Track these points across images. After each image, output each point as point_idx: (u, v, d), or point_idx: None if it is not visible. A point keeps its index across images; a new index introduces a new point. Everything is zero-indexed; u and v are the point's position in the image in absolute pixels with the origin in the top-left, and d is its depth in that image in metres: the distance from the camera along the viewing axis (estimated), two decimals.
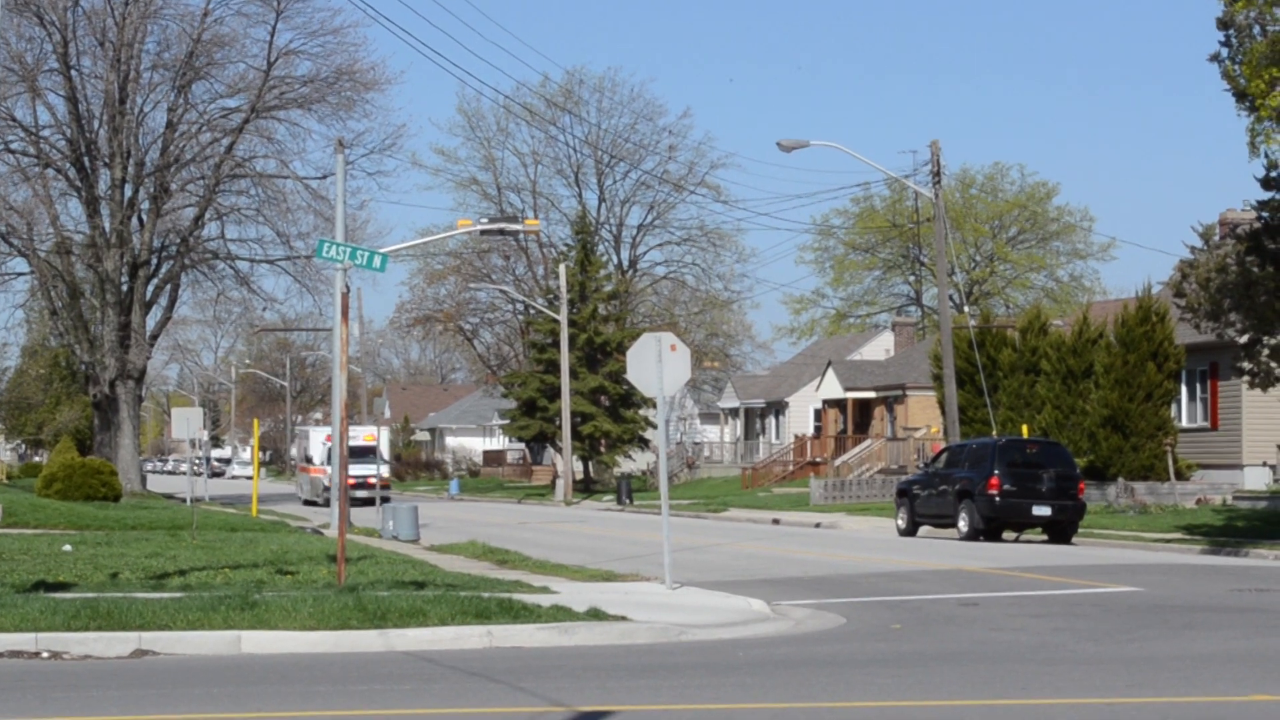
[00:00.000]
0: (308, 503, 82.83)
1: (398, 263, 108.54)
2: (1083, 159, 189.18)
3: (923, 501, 50.19)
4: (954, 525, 48.22)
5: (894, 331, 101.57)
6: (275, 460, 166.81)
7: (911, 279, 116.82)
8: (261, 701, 17.11)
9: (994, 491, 46.68)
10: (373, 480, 75.79)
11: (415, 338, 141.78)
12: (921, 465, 57.52)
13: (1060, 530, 46.75)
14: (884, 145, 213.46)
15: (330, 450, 70.66)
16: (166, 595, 24.52)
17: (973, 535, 46.97)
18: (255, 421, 71.29)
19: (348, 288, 29.55)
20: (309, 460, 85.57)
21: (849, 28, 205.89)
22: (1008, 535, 48.12)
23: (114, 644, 20.68)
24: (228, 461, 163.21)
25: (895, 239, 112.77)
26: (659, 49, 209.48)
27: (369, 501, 72.53)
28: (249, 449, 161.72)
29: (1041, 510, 46.27)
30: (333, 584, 26.68)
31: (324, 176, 78.22)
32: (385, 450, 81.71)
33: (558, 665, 19.67)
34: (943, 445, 57.35)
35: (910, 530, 50.56)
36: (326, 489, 74.84)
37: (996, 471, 46.76)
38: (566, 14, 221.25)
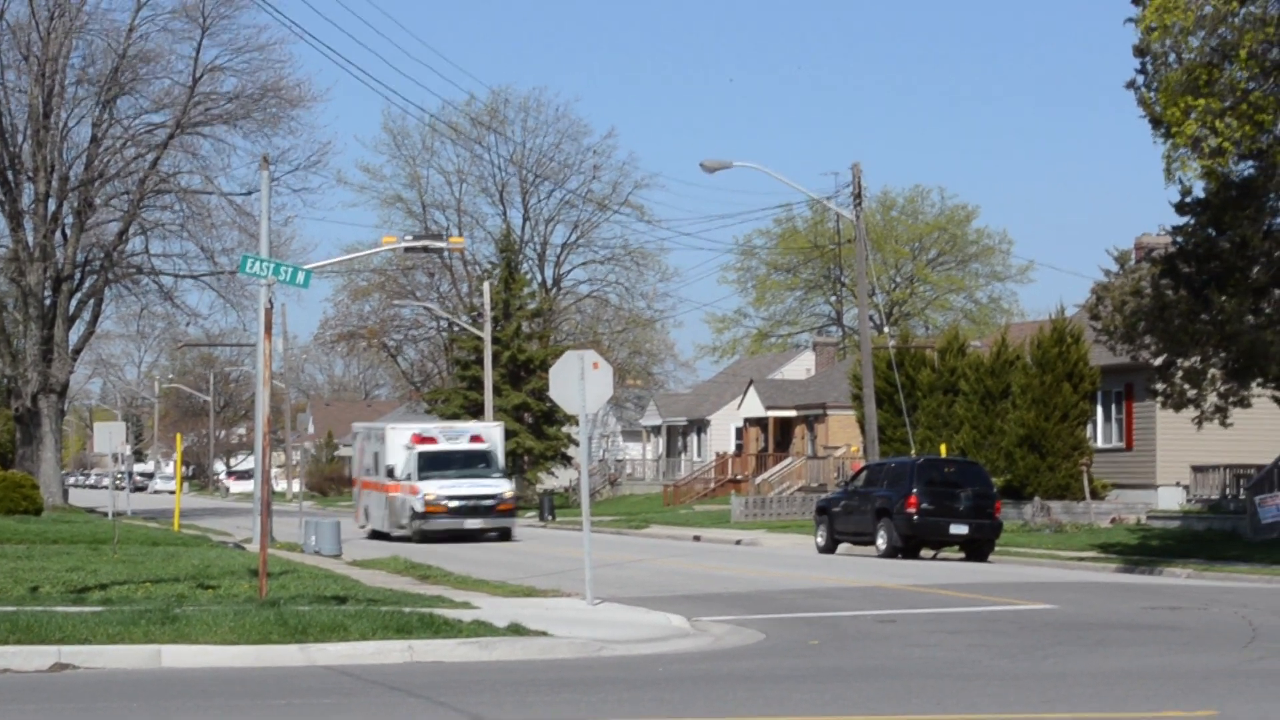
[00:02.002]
0: (376, 534, 60.12)
1: (322, 279, 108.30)
2: (1002, 182, 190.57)
3: (842, 519, 50.44)
4: (872, 543, 48.45)
5: (815, 351, 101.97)
6: (198, 475, 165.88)
7: (833, 299, 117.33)
8: (181, 715, 17.11)
9: (912, 510, 47.02)
10: (489, 501, 56.80)
11: (339, 354, 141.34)
12: (841, 483, 57.87)
13: (977, 548, 47.14)
14: (807, 167, 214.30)
15: (414, 457, 57.74)
16: (87, 609, 24.45)
17: (891, 553, 47.24)
18: (178, 436, 70.93)
19: (271, 303, 29.60)
20: (389, 474, 58.94)
21: (772, 50, 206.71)
22: (925, 553, 48.45)
23: (33, 658, 20.60)
24: (150, 476, 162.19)
25: (817, 260, 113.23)
26: (584, 69, 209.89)
27: (476, 535, 56.34)
28: (172, 464, 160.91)
29: (959, 529, 46.64)
30: (254, 598, 26.67)
31: (249, 192, 78.12)
32: (500, 454, 60.86)
33: (478, 680, 19.75)
34: (862, 464, 57.71)
35: (829, 547, 50.79)
36: (421, 514, 56.34)
37: (915, 490, 47.11)
38: (492, 33, 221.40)
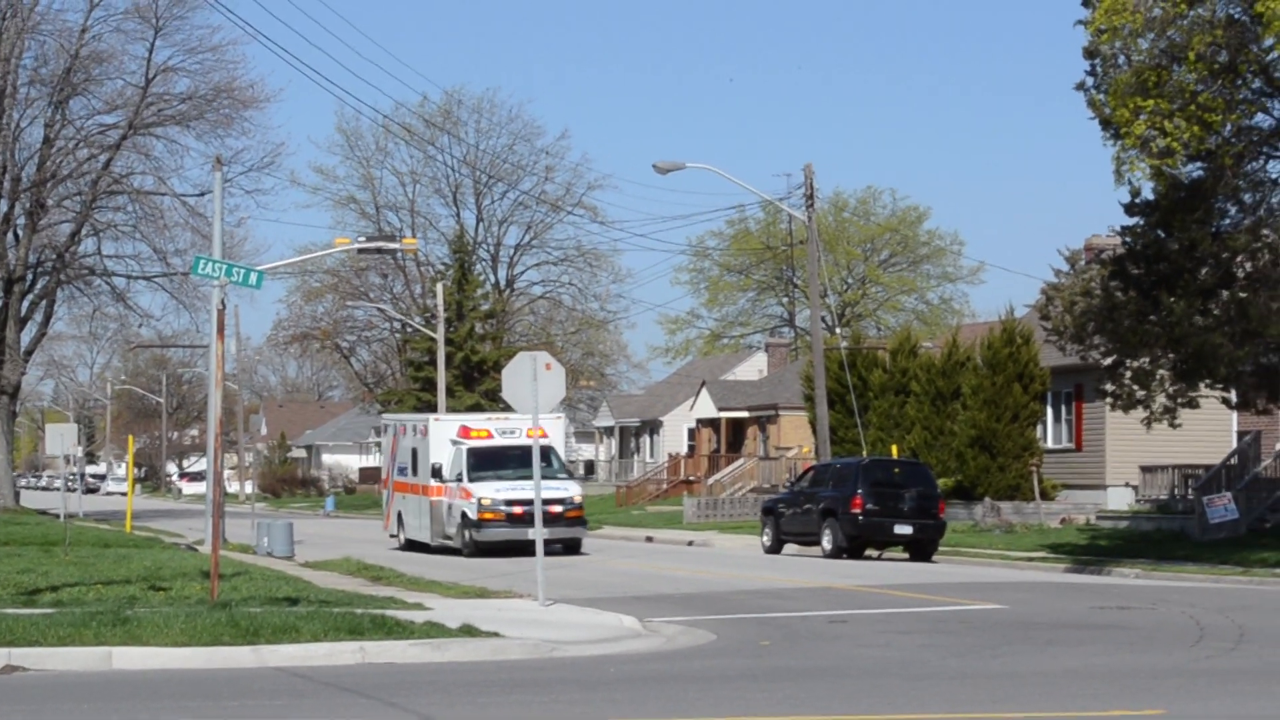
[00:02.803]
0: (412, 545, 51.93)
1: (275, 280, 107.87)
2: (954, 184, 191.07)
3: (788, 520, 50.64)
4: (818, 543, 48.65)
5: (767, 352, 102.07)
6: (150, 477, 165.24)
7: (785, 300, 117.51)
8: (132, 717, 17.08)
9: (857, 510, 47.29)
10: (557, 507, 47.33)
11: (292, 355, 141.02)
12: (788, 484, 58.05)
13: (921, 548, 47.47)
14: (759, 168, 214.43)
15: (463, 454, 49.05)
16: (37, 611, 24.41)
17: (836, 553, 47.42)
18: (130, 438, 70.67)
19: (224, 304, 29.60)
20: (435, 474, 50.30)
21: (725, 50, 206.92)
22: (870, 553, 48.63)
23: None
24: (102, 478, 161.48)
25: (769, 261, 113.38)
26: (537, 70, 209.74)
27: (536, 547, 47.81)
28: (124, 465, 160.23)
29: (903, 529, 46.93)
30: (206, 600, 26.63)
31: (202, 194, 77.82)
32: (562, 449, 53.66)
33: (430, 681, 19.77)
34: (811, 464, 57.92)
35: (775, 548, 50.92)
36: (474, 523, 47.64)
37: (860, 491, 47.42)
38: (445, 34, 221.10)
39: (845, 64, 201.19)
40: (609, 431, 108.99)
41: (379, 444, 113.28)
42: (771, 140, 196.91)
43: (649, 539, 61.23)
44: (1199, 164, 38.95)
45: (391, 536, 54.52)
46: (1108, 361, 43.23)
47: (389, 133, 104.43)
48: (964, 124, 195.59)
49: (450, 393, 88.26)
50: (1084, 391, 58.21)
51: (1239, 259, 40.53)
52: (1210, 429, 53.43)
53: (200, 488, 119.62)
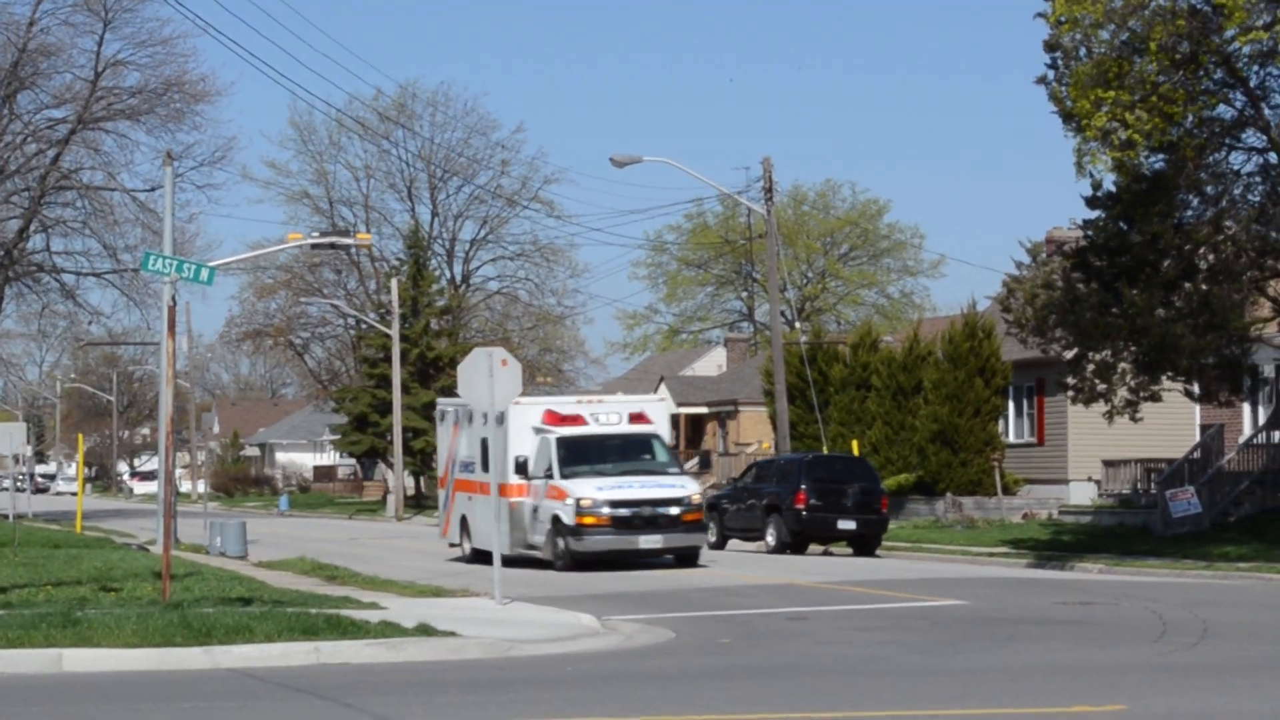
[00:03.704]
0: (481, 556, 41.72)
1: (227, 276, 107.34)
2: (914, 177, 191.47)
3: (731, 516, 50.75)
4: (762, 539, 48.83)
5: (727, 347, 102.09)
6: (101, 476, 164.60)
7: (744, 295, 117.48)
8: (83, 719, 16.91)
9: (801, 506, 47.59)
10: (673, 509, 40.40)
11: (245, 352, 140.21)
12: (730, 481, 58.24)
13: (864, 543, 47.78)
14: (718, 161, 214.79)
15: (551, 444, 41.06)
16: None
17: (780, 549, 47.57)
18: (80, 437, 70.24)
19: (175, 301, 29.28)
20: (520, 469, 41.51)
21: (682, 43, 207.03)
22: (814, 548, 48.66)
23: None
24: (52, 478, 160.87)
25: (728, 255, 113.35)
26: (492, 64, 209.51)
27: (650, 558, 41.21)
28: (74, 465, 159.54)
29: (846, 524, 47.14)
30: (158, 601, 26.39)
31: (153, 189, 77.31)
32: (668, 438, 43.38)
33: (386, 681, 19.57)
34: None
35: (719, 544, 50.38)
36: (572, 528, 39.89)
37: (804, 487, 47.75)
38: (399, 27, 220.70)
39: (805, 56, 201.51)
40: None
41: (334, 441, 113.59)
42: (730, 133, 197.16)
43: None
44: (1161, 156, 38.91)
45: (452, 546, 45.64)
46: (1069, 355, 43.17)
47: (342, 127, 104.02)
48: (924, 117, 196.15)
49: (406, 389, 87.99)
50: (1046, 385, 58.17)
51: (1201, 251, 40.54)
52: (1173, 422, 53.41)
53: (152, 487, 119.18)
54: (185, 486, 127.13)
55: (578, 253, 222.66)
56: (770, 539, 48.29)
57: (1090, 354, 42.22)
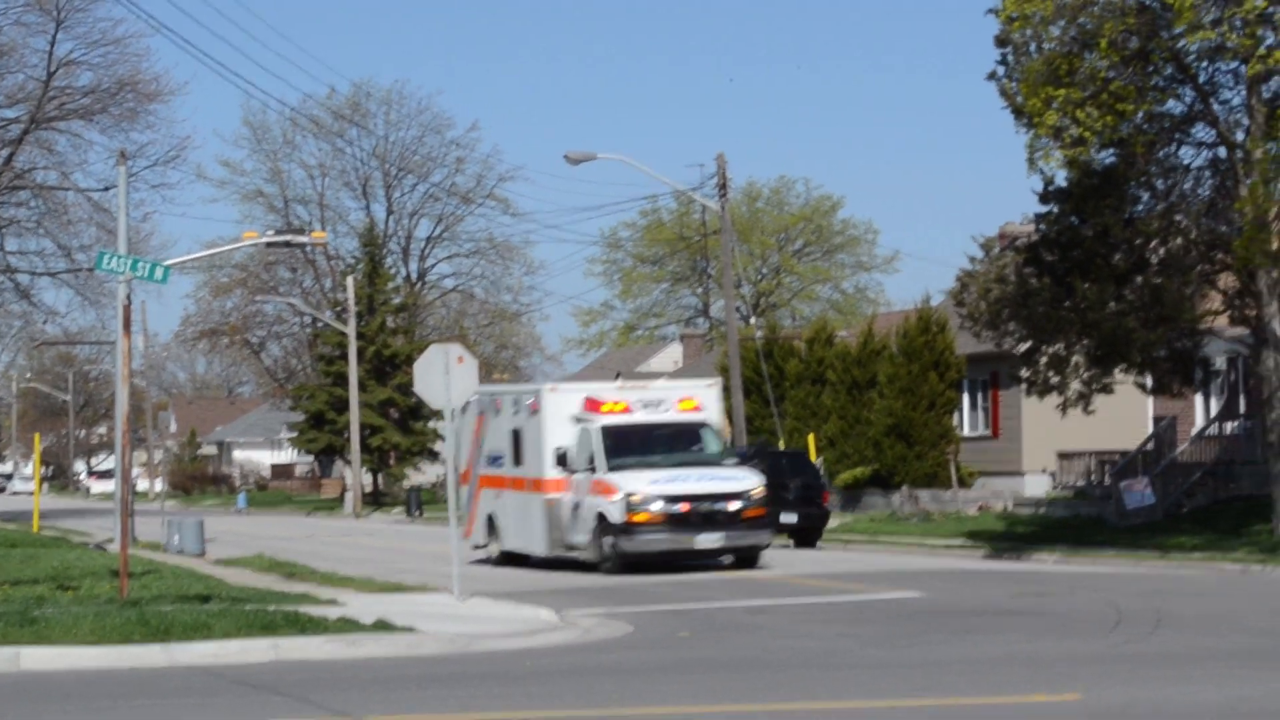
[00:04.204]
0: (511, 559, 40.21)
1: (183, 275, 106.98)
2: (867, 173, 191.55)
3: None
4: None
5: (682, 343, 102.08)
6: (58, 475, 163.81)
7: (699, 291, 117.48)
8: (41, 718, 16.88)
9: None
10: (733, 505, 36.89)
11: (201, 351, 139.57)
12: None
13: (806, 536, 48.19)
14: (672, 158, 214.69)
15: (596, 435, 37.50)
16: None
17: None
18: (37, 436, 70.01)
19: (130, 300, 29.23)
20: (561, 462, 38.22)
21: (636, 41, 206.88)
22: None
23: None
24: (9, 477, 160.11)
25: (683, 251, 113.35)
26: (445, 62, 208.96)
27: (708, 560, 38.11)
28: (31, 464, 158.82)
29: (789, 517, 47.36)
30: (115, 599, 26.36)
31: (107, 188, 76.88)
32: (718, 422, 39.87)
33: (345, 677, 19.59)
34: None
35: None
36: (621, 527, 36.39)
37: None
38: (352, 26, 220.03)
39: (757, 53, 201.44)
40: None
41: (291, 439, 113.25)
42: (684, 130, 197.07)
43: None
44: (1111, 151, 39.05)
45: (476, 548, 41.55)
46: (1023, 348, 43.35)
47: (296, 125, 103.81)
48: (877, 113, 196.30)
49: (362, 387, 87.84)
50: (1000, 378, 58.38)
51: (1152, 245, 40.74)
52: (1126, 414, 53.64)
53: (109, 486, 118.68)
54: (142, 485, 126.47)
55: (533, 250, 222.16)
56: None
57: (1043, 347, 42.38)
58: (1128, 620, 24.59)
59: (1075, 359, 42.31)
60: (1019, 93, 37.77)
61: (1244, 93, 38.21)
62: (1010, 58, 38.85)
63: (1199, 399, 50.50)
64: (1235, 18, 34.96)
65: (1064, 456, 56.09)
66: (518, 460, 39.69)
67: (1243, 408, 48.66)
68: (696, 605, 28.94)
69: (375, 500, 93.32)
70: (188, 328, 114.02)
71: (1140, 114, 37.68)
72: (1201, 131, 40.04)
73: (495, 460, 40.85)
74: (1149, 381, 44.32)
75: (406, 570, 37.53)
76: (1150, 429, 51.89)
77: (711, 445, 38.52)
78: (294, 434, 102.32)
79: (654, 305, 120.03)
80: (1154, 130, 38.84)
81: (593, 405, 38.41)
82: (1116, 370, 42.33)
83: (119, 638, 21.65)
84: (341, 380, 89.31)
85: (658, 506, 36.35)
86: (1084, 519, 48.63)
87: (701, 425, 38.70)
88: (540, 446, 38.40)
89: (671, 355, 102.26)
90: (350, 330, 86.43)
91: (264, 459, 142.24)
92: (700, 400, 39.12)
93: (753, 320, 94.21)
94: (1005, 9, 37.42)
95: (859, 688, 18.34)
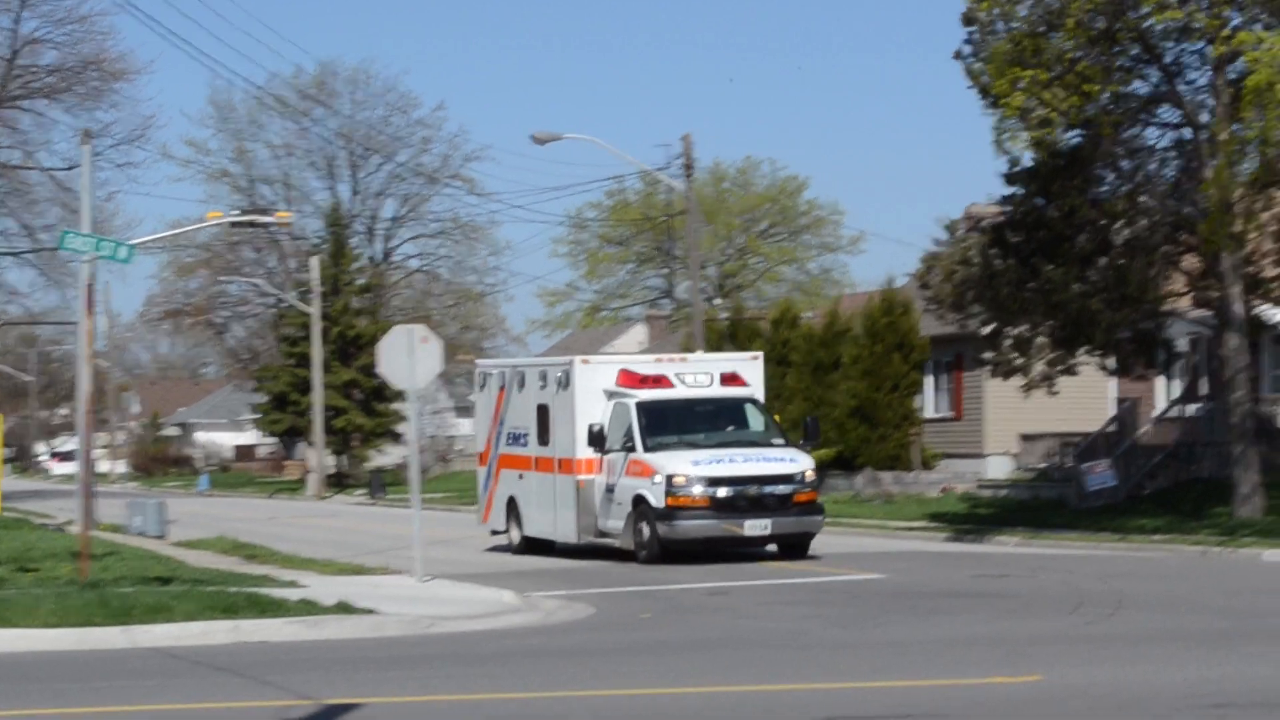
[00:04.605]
0: (534, 545, 37.72)
1: (147, 255, 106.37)
2: (832, 154, 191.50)
3: None
4: None
5: (647, 324, 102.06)
6: (20, 457, 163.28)
7: (665, 272, 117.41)
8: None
9: None
10: (781, 488, 34.23)
11: (165, 332, 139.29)
12: None
13: None
14: (638, 138, 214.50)
15: (631, 411, 34.88)
16: None
17: None
18: (0, 418, 69.67)
19: (93, 280, 29.09)
20: (596, 441, 35.31)
21: (604, 20, 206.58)
22: None
23: None
24: None
25: (648, 232, 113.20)
26: (413, 41, 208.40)
27: (753, 547, 35.01)
28: None
29: None
30: (76, 581, 26.28)
31: (71, 168, 76.52)
32: (760, 390, 37.18)
33: (306, 658, 19.57)
34: None
35: None
36: (662, 512, 33.64)
37: None
38: (319, 5, 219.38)
39: (723, 33, 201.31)
40: None
41: (254, 420, 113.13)
42: (650, 110, 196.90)
43: None
44: (1077, 132, 39.08)
45: (495, 534, 39.63)
46: (987, 330, 43.38)
47: (262, 105, 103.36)
48: (842, 93, 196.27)
49: (326, 368, 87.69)
50: (964, 360, 58.45)
51: (1117, 226, 40.79)
52: (1089, 396, 53.73)
53: (71, 467, 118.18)
54: (104, 467, 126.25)
55: (499, 230, 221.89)
56: None
57: (1007, 328, 42.42)
58: (1088, 602, 24.67)
59: (1039, 340, 42.37)
60: (985, 73, 37.76)
61: (1210, 74, 38.26)
62: (977, 37, 38.83)
63: (1161, 381, 50.62)
64: None
65: (1026, 438, 56.20)
66: (544, 439, 37.00)
67: (1204, 390, 48.80)
68: (659, 586, 28.97)
69: (338, 482, 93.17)
70: (151, 308, 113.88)
71: (1106, 95, 37.69)
72: (1167, 113, 40.09)
73: (518, 438, 38.31)
74: (1112, 363, 44.41)
75: (369, 552, 37.49)
76: (1112, 411, 51.98)
77: (757, 423, 35.91)
78: (257, 415, 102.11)
79: (619, 286, 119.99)
80: (1120, 111, 38.85)
81: (629, 379, 35.75)
82: (1080, 352, 42.41)
83: (79, 620, 21.61)
84: (305, 361, 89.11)
85: (701, 490, 33.71)
86: (1046, 501, 48.74)
87: (747, 401, 36.19)
88: (570, 424, 35.70)
89: (636, 336, 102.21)
90: (314, 311, 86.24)
91: (227, 441, 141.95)
92: (744, 374, 36.60)
93: (718, 301, 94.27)
94: None
95: (821, 668, 18.37)
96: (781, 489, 34.09)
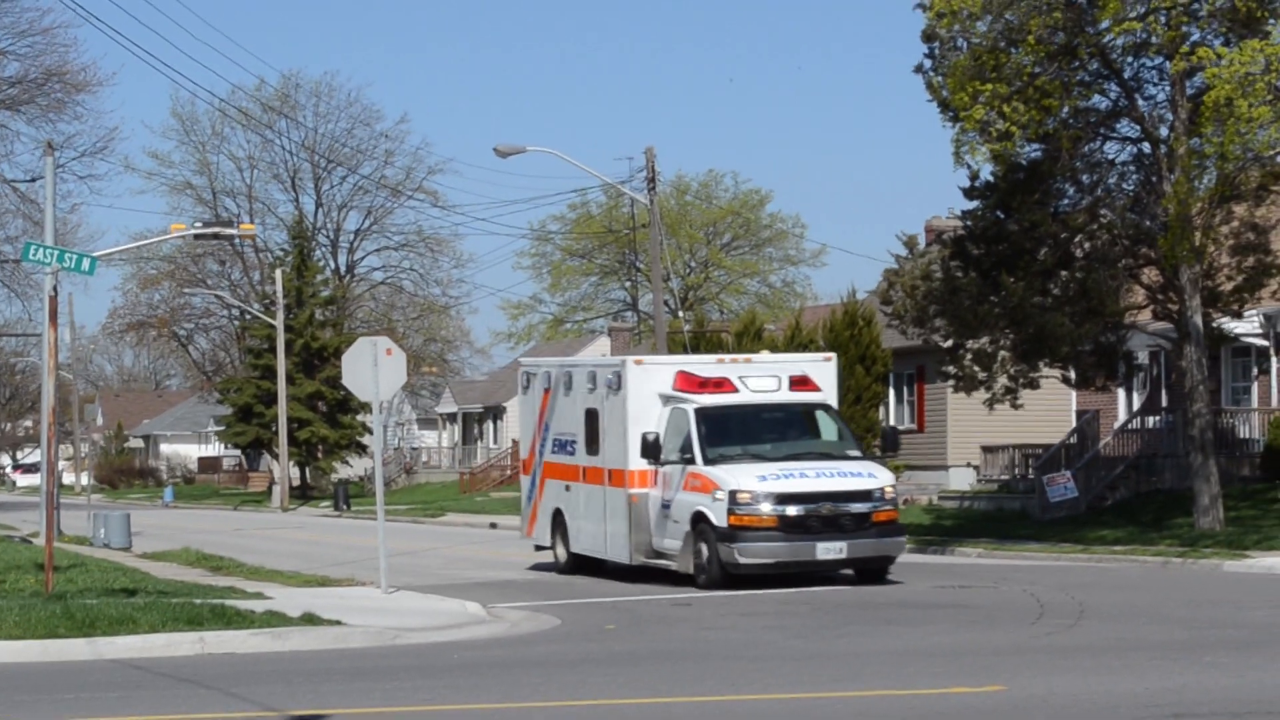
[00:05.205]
0: (582, 564, 34.37)
1: (110, 267, 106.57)
2: (795, 167, 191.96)
3: None
4: None
5: (611, 336, 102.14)
6: None
7: (628, 284, 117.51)
8: None
9: None
10: (858, 506, 30.36)
11: (129, 344, 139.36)
12: None
13: None
14: (601, 151, 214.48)
15: (689, 418, 31.21)
16: None
17: None
18: None
19: (56, 292, 29.08)
20: (650, 451, 31.59)
21: (566, 34, 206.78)
22: None
23: None
24: None
25: (612, 245, 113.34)
26: (376, 54, 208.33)
27: (827, 572, 30.78)
28: None
29: None
30: (40, 592, 26.23)
31: (33, 179, 76.32)
32: (834, 395, 33.06)
33: (271, 670, 19.59)
34: None
35: None
36: (725, 531, 29.81)
37: None
38: (282, 17, 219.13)
39: (687, 46, 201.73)
40: (452, 418, 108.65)
41: (218, 432, 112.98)
42: (613, 123, 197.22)
43: (493, 525, 60.99)
44: (1037, 146, 39.32)
45: (539, 549, 36.41)
46: (949, 343, 43.53)
47: (225, 117, 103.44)
48: (804, 107, 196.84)
49: (291, 380, 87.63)
50: (926, 373, 58.63)
51: (1078, 239, 41.02)
52: (1051, 408, 53.97)
53: (35, 479, 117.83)
54: (69, 479, 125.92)
55: (462, 243, 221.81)
56: None
57: (969, 342, 42.58)
58: (1050, 613, 24.78)
59: (1001, 354, 42.54)
60: (946, 87, 37.95)
61: (1168, 88, 38.51)
62: (937, 52, 39.05)
63: (1122, 393, 50.85)
64: (1160, 13, 35.22)
65: (988, 450, 56.38)
66: (592, 447, 33.50)
67: (1165, 402, 49.03)
68: (622, 598, 29.02)
69: (303, 494, 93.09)
70: (115, 320, 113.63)
71: (1066, 109, 37.93)
72: (1126, 127, 40.36)
73: (564, 446, 34.85)
74: (1073, 375, 44.60)
75: (334, 564, 37.50)
76: (1074, 423, 52.19)
77: (831, 432, 32.14)
78: (222, 427, 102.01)
79: (582, 299, 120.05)
80: (1079, 125, 39.09)
81: (687, 382, 32.04)
82: (1042, 364, 42.59)
83: (44, 631, 21.58)
84: (269, 373, 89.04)
85: (769, 508, 29.87)
86: (1008, 512, 48.91)
87: (819, 407, 32.32)
88: (622, 432, 32.16)
89: (600, 348, 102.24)
90: (279, 323, 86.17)
91: (191, 452, 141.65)
92: (816, 378, 32.68)
93: (681, 314, 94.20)
94: (933, 4, 37.57)
95: (783, 679, 18.44)
96: (858, 507, 30.30)
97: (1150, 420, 49.48)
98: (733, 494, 29.75)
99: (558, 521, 34.93)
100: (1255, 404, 46.97)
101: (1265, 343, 46.15)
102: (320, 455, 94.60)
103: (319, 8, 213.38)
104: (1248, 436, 46.78)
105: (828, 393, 32.59)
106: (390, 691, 17.88)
